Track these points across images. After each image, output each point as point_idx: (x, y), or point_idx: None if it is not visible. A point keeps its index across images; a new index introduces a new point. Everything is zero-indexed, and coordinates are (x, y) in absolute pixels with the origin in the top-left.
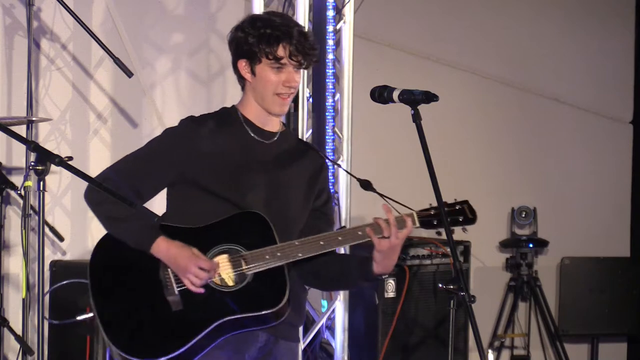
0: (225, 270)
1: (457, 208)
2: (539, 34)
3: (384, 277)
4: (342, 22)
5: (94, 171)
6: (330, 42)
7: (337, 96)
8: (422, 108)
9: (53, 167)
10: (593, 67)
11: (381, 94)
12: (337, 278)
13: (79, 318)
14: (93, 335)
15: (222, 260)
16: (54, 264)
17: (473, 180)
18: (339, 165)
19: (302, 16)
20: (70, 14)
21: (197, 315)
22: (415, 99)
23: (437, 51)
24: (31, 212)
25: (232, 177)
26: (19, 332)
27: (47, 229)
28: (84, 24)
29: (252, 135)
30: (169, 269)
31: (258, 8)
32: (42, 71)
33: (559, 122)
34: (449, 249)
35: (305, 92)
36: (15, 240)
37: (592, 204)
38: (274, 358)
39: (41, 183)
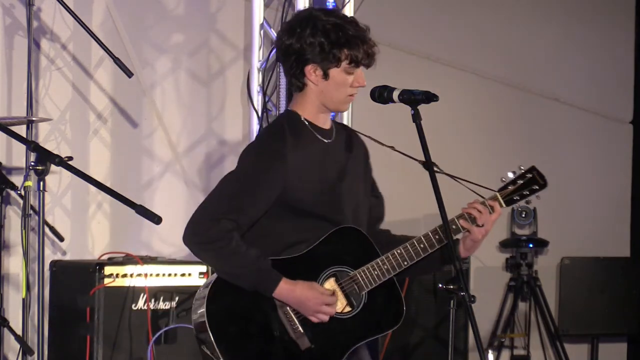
0: (338, 296)
1: (528, 177)
2: (539, 34)
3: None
4: None
5: (94, 171)
6: None
7: None
8: (422, 108)
9: (53, 167)
10: (593, 67)
11: (381, 94)
12: (417, 265)
13: None
14: (93, 335)
15: (333, 285)
16: (54, 264)
17: (473, 180)
18: (393, 149)
19: None
20: (70, 14)
21: (326, 349)
22: (415, 99)
23: (437, 51)
24: (31, 212)
25: (323, 192)
26: (19, 332)
27: (47, 229)
28: (84, 24)
29: (322, 139)
30: (287, 307)
31: (258, 8)
32: (42, 71)
33: (559, 122)
34: None
35: None
36: (15, 240)
37: (592, 204)
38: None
39: (41, 183)
